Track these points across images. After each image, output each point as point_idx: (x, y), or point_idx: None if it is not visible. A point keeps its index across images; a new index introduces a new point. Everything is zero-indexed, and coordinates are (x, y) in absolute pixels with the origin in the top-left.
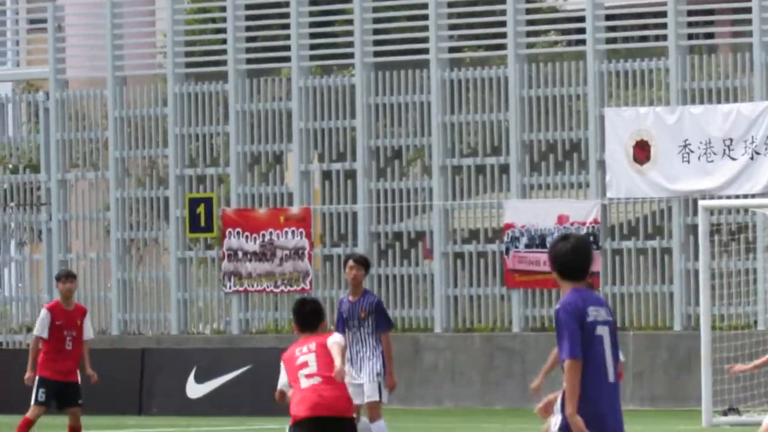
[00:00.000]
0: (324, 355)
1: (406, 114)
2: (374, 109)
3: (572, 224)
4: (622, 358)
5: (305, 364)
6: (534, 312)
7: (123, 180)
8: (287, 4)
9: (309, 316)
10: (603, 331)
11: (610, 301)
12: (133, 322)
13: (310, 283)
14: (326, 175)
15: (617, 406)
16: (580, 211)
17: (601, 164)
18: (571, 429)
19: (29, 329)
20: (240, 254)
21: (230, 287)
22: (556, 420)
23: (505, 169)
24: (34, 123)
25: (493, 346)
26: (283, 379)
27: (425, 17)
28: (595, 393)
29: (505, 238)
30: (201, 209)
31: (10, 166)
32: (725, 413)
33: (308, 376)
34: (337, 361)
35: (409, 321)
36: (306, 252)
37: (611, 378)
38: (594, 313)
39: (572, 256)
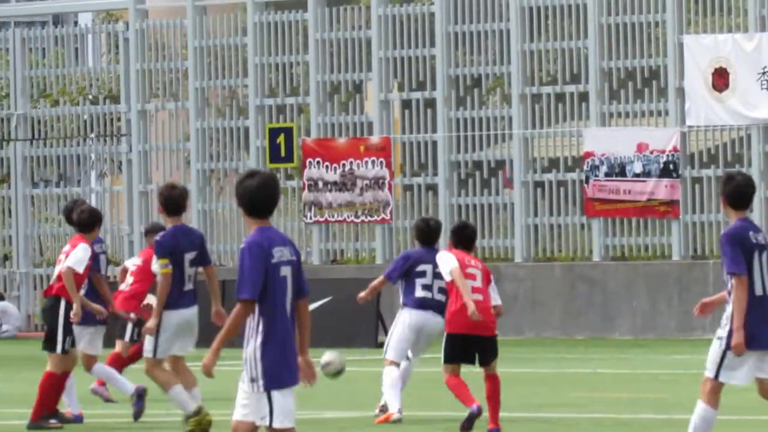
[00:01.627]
0: (487, 276)
1: (485, 42)
2: (453, 37)
3: (652, 152)
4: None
5: (474, 277)
6: (615, 241)
7: (203, 110)
8: None
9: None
10: (286, 271)
11: (689, 229)
12: (213, 253)
13: (391, 213)
14: (405, 104)
15: None
16: (660, 139)
17: (680, 92)
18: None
19: (109, 261)
20: (320, 184)
21: (311, 218)
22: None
23: (584, 97)
24: (114, 53)
25: (573, 276)
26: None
27: None
28: None
29: (585, 167)
30: (281, 139)
31: (90, 96)
32: None
33: (474, 290)
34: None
35: (490, 250)
36: (387, 182)
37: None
38: (278, 254)
39: (258, 193)
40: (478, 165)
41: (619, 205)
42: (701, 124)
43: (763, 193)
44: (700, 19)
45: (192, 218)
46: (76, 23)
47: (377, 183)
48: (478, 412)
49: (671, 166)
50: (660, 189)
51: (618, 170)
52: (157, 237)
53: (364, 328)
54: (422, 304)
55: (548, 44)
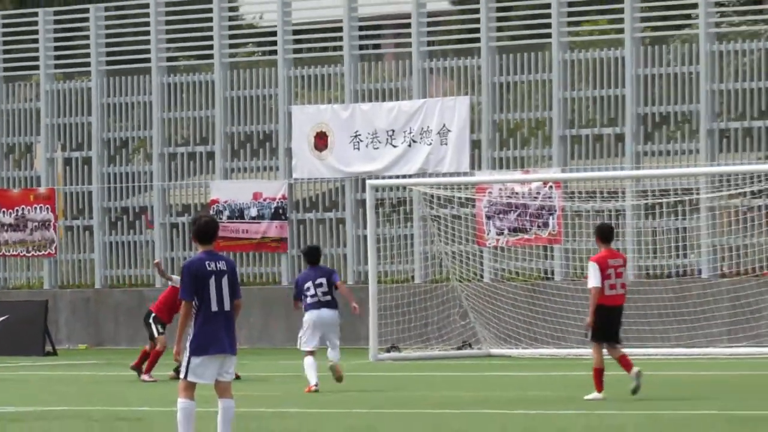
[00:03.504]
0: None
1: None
2: (108, 107)
3: (265, 200)
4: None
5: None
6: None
7: None
8: None
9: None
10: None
11: (295, 262)
12: None
13: (56, 248)
14: (66, 161)
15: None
16: (271, 189)
17: (288, 151)
18: None
19: None
20: None
21: None
22: None
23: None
24: None
25: None
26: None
27: (547, 5)
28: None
29: (212, 211)
30: None
31: None
32: (388, 350)
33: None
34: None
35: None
36: (51, 223)
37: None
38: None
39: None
40: (125, 210)
41: (238, 242)
42: (305, 177)
43: (355, 232)
44: (306, 92)
45: None
46: None
47: (44, 224)
48: None
49: (280, 211)
50: (271, 229)
51: (238, 214)
52: None
53: (33, 338)
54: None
55: (182, 113)
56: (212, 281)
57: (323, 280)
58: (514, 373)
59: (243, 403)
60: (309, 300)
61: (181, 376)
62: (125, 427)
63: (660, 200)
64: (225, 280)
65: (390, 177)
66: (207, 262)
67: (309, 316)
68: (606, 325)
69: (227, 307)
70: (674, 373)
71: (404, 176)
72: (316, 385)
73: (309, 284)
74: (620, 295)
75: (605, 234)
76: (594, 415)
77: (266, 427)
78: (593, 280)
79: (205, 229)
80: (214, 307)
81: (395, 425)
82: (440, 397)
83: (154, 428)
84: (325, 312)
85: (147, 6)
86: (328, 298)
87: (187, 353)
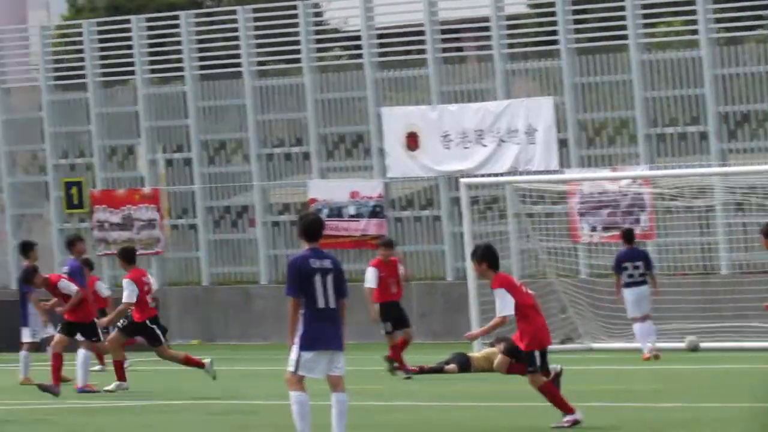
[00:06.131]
0: None
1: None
2: (204, 110)
3: (363, 199)
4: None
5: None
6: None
7: (11, 169)
8: None
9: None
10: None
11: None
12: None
13: (163, 247)
14: (168, 162)
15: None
16: (367, 187)
17: (380, 151)
18: None
19: None
20: (106, 225)
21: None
22: None
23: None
24: None
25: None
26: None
27: (621, 8)
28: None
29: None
30: (74, 191)
31: None
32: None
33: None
34: None
35: (240, 275)
36: (157, 222)
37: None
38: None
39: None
40: (227, 209)
41: (337, 240)
42: (399, 176)
43: (455, 229)
44: (393, 94)
45: (9, 252)
46: None
47: (150, 223)
48: None
49: (377, 209)
50: (370, 227)
51: (336, 213)
52: None
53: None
54: None
55: (276, 115)
56: (317, 278)
57: None
58: (617, 366)
59: (355, 397)
60: None
61: (291, 369)
62: (244, 420)
63: (747, 197)
64: (330, 278)
65: (482, 175)
66: (311, 260)
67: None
68: None
69: (333, 304)
70: None
71: (496, 174)
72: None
73: None
74: None
75: None
76: (701, 408)
77: (377, 420)
78: None
79: (311, 227)
80: (321, 304)
81: (505, 418)
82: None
83: (271, 420)
84: None
85: (234, 13)
86: None
87: (296, 348)
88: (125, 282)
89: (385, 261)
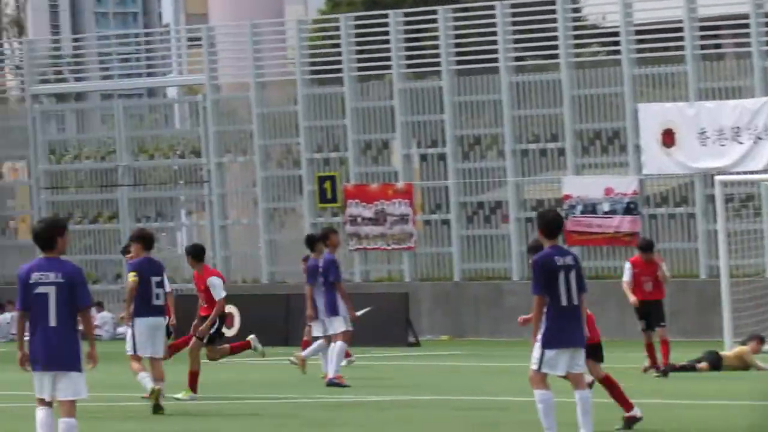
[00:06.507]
0: None
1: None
2: (458, 105)
3: (617, 195)
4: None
5: None
6: (589, 263)
7: (266, 163)
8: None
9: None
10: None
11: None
12: (278, 273)
13: (415, 242)
14: (423, 157)
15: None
16: (622, 184)
17: (636, 147)
18: None
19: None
20: (359, 220)
21: (353, 246)
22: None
23: (561, 152)
24: (195, 118)
25: None
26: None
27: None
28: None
29: (564, 206)
30: (327, 185)
31: (179, 152)
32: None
33: None
34: None
35: (492, 271)
36: (410, 218)
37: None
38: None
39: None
40: (480, 205)
41: (591, 236)
42: (655, 172)
43: (710, 227)
44: (650, 90)
45: (261, 246)
46: (165, 95)
47: (402, 219)
48: None
49: (632, 206)
50: (624, 223)
51: (590, 209)
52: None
53: (396, 329)
54: None
55: (532, 111)
56: (561, 276)
57: None
58: None
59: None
60: None
61: (534, 367)
62: (494, 417)
63: None
64: (573, 275)
65: (738, 173)
66: (555, 257)
67: None
68: None
69: (575, 301)
70: None
71: (751, 172)
72: None
73: None
74: None
75: None
76: None
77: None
78: None
79: (552, 224)
80: (564, 302)
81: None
82: None
83: (520, 417)
84: None
85: (493, 8)
86: None
87: (539, 345)
88: (217, 281)
89: (645, 260)
